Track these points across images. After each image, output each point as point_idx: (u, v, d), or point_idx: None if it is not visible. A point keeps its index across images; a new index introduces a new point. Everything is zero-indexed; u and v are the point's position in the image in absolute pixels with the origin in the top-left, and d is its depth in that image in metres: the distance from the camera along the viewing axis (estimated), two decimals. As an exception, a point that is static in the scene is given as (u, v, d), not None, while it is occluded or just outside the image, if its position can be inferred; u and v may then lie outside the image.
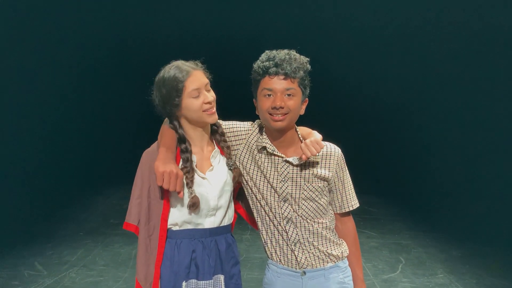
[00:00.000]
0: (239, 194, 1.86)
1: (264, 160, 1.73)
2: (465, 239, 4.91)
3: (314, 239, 1.73)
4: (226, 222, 1.75)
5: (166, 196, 1.64)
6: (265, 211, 1.75)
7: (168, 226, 1.66)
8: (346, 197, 1.79)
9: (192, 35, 7.76)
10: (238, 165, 1.78)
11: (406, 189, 7.06)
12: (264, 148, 1.72)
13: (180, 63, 1.65)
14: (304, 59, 1.70)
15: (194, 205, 1.61)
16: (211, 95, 1.65)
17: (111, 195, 6.34)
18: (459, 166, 6.49)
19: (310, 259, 1.73)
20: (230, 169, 1.74)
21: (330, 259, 1.75)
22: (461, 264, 4.29)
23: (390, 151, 8.16)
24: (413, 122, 7.51)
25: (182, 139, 1.66)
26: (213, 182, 1.69)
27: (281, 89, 1.63)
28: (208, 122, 1.67)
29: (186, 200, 1.63)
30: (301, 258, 1.72)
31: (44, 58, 6.17)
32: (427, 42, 6.86)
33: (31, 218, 5.24)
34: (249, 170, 1.76)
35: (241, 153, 1.79)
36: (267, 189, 1.73)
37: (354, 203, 1.81)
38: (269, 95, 1.64)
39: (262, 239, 1.81)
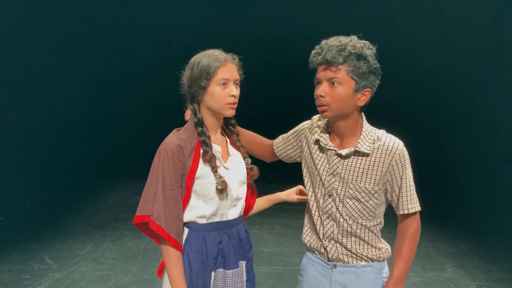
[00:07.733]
0: None
1: (318, 153, 1.70)
2: (474, 234, 4.89)
3: (348, 241, 1.66)
4: (242, 211, 1.79)
5: (189, 186, 1.62)
6: (311, 202, 1.74)
7: (195, 219, 1.66)
8: (402, 199, 1.62)
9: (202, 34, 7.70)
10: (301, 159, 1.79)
11: (414, 183, 7.02)
12: (318, 141, 1.69)
13: (221, 51, 1.67)
14: (358, 44, 1.53)
15: (223, 190, 1.61)
16: (237, 90, 1.66)
17: (120, 190, 6.38)
18: (468, 160, 6.44)
19: (342, 256, 1.68)
20: (247, 167, 1.77)
21: (363, 259, 1.67)
22: (470, 258, 4.27)
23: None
24: (421, 118, 7.45)
25: (199, 123, 1.65)
26: (234, 172, 1.71)
27: (325, 77, 1.55)
28: (226, 115, 1.66)
29: (214, 191, 1.62)
30: (333, 254, 1.68)
31: (54, 56, 6.20)
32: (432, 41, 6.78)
33: (41, 212, 5.28)
34: (307, 160, 1.75)
35: (303, 145, 1.78)
36: (316, 181, 1.70)
37: (411, 206, 1.62)
38: (318, 83, 1.60)
39: (304, 224, 1.80)
